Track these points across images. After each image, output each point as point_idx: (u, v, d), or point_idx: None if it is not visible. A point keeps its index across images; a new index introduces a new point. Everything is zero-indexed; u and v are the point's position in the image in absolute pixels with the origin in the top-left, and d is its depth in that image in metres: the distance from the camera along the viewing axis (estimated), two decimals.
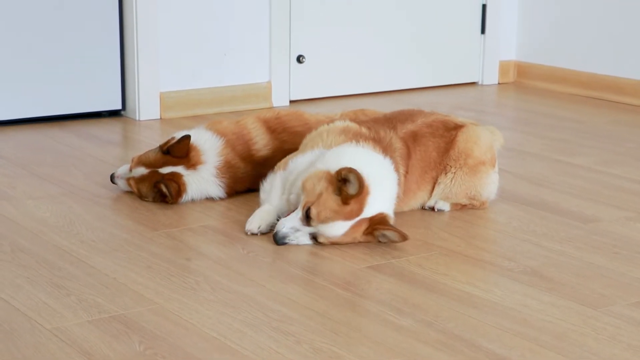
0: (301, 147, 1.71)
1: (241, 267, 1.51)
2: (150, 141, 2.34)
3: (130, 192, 1.88)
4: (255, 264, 1.52)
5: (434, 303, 1.38)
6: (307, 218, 1.54)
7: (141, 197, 1.85)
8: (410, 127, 1.73)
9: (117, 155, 2.23)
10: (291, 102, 2.82)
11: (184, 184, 1.81)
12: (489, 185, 1.79)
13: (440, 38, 3.05)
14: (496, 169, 1.82)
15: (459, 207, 1.81)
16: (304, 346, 1.23)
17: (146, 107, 2.58)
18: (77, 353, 1.20)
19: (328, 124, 1.71)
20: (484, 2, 3.10)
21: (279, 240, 1.56)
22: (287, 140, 1.90)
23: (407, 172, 1.68)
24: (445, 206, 1.79)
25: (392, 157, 1.63)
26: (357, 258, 1.55)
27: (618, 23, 2.90)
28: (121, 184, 1.87)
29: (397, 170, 1.63)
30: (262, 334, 1.27)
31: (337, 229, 1.54)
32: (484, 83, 3.16)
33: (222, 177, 1.84)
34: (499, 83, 3.17)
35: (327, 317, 1.33)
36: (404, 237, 1.55)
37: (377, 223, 1.55)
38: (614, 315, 1.34)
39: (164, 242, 1.63)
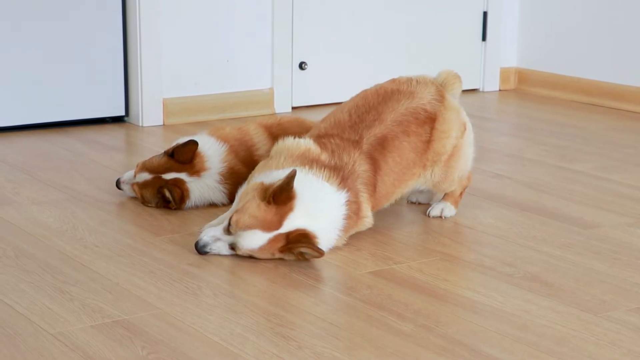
0: (270, 156, 1.65)
1: (243, 273, 1.52)
2: (153, 147, 2.35)
3: (134, 198, 1.89)
4: (257, 270, 1.53)
5: (434, 308, 1.38)
6: (229, 226, 1.51)
7: (144, 202, 1.86)
8: (378, 130, 1.62)
9: (120, 161, 2.24)
10: (293, 108, 2.83)
11: (187, 190, 1.82)
12: (467, 159, 1.76)
13: (442, 45, 3.06)
14: (469, 134, 1.75)
15: (458, 198, 1.80)
16: (306, 351, 1.24)
17: (149, 113, 2.59)
18: (80, 358, 1.21)
19: (295, 138, 1.62)
20: (485, 10, 3.11)
21: (200, 250, 1.54)
22: None
23: (374, 191, 1.61)
24: (451, 212, 1.79)
25: (350, 188, 1.54)
26: (358, 263, 1.56)
27: (618, 30, 2.91)
28: (126, 189, 1.88)
29: (355, 200, 1.55)
30: (263, 338, 1.27)
31: (254, 240, 1.49)
32: (485, 90, 3.17)
33: (225, 183, 1.85)
34: (499, 90, 3.18)
35: (329, 322, 1.33)
36: (319, 254, 1.48)
37: (294, 240, 1.49)
38: (614, 320, 1.35)
39: (167, 247, 1.63)
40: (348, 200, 1.55)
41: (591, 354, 1.25)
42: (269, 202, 1.49)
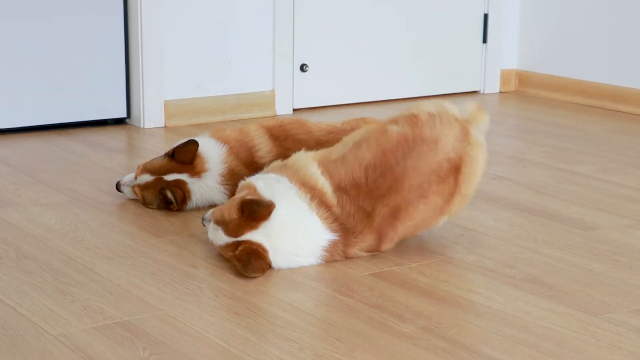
0: (291, 163, 1.63)
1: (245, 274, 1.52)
2: (154, 149, 2.35)
3: (135, 200, 1.90)
4: None
5: (435, 310, 1.39)
6: None
7: (145, 204, 1.86)
8: (392, 200, 1.53)
9: (121, 162, 2.25)
10: (294, 110, 2.84)
11: (188, 191, 1.83)
12: None
13: (443, 47, 3.07)
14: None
15: None
16: (307, 352, 1.24)
17: (151, 115, 2.60)
18: (82, 359, 1.21)
19: (316, 171, 1.55)
20: (486, 12, 3.12)
21: (202, 221, 1.63)
22: (290, 147, 1.91)
23: (377, 249, 1.57)
24: None
25: (343, 243, 1.52)
26: (359, 265, 1.56)
27: (618, 33, 2.92)
28: (127, 191, 1.89)
29: (343, 249, 1.53)
30: (265, 340, 1.28)
31: (216, 237, 1.53)
32: (486, 92, 3.17)
33: (226, 184, 1.85)
34: (500, 92, 3.19)
35: (330, 323, 1.34)
36: (256, 272, 1.47)
37: (242, 250, 1.49)
38: (615, 322, 1.35)
39: (168, 248, 1.64)
40: (334, 242, 1.54)
41: (592, 356, 1.25)
42: (239, 210, 1.50)
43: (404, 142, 1.56)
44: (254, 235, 1.50)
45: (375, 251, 1.59)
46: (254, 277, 1.50)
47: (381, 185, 1.54)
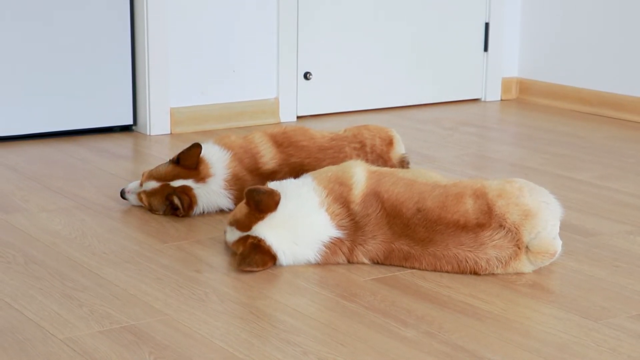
0: (339, 169, 1.62)
1: (249, 279, 1.53)
2: (160, 155, 2.37)
3: (141, 206, 1.92)
4: (263, 276, 1.55)
5: (437, 315, 1.40)
6: None
7: (152, 210, 1.88)
8: (413, 249, 1.53)
9: (128, 169, 2.27)
10: (298, 117, 2.86)
11: (194, 197, 1.85)
12: None
13: (444, 55, 3.09)
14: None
15: None
16: (310, 357, 1.26)
17: (157, 122, 2.62)
18: None
19: (361, 173, 1.55)
20: (487, 21, 3.15)
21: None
22: (293, 154, 1.93)
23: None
24: None
25: (350, 240, 1.53)
26: (362, 270, 1.58)
27: (618, 41, 2.94)
28: (132, 199, 1.91)
29: (349, 247, 1.53)
30: (269, 344, 1.29)
31: (230, 235, 1.59)
32: (487, 99, 3.19)
33: (230, 189, 1.87)
34: (501, 99, 3.21)
35: (333, 328, 1.35)
36: (254, 266, 1.51)
37: (247, 246, 1.53)
38: (615, 327, 1.36)
39: (174, 254, 1.66)
40: (338, 239, 1.55)
41: None
42: (247, 203, 1.56)
43: (462, 222, 1.51)
44: (260, 227, 1.54)
45: (378, 263, 1.59)
46: (251, 271, 1.52)
47: (418, 232, 1.54)
